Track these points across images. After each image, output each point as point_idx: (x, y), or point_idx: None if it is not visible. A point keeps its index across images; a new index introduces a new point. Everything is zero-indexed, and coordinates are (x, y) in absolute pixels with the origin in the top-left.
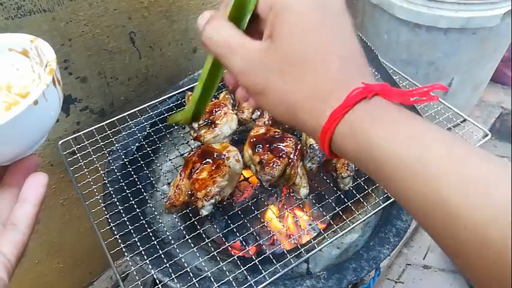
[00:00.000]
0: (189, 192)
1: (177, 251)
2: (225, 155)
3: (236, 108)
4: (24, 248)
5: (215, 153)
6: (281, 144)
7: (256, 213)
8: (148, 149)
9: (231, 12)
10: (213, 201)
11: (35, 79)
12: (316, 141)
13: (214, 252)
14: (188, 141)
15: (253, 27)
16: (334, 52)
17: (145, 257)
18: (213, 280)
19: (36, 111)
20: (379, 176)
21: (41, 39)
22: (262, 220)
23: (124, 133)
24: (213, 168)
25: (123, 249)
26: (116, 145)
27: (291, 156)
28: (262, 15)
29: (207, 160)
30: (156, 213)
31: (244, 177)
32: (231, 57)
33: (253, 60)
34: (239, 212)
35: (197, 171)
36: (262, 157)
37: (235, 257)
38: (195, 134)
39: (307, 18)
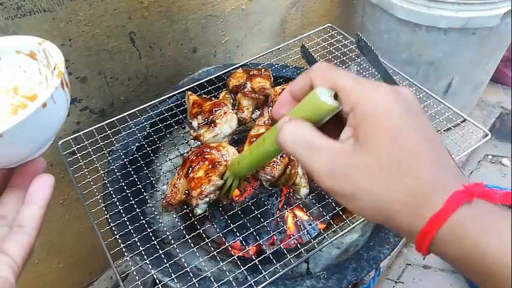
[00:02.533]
0: (186, 191)
1: (177, 251)
2: (223, 154)
3: (236, 107)
4: (31, 249)
5: (213, 152)
6: None
7: (256, 213)
8: (148, 149)
9: (308, 116)
10: (207, 199)
11: (42, 81)
12: (411, 241)
13: (214, 252)
14: (188, 141)
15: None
16: (425, 154)
17: (145, 257)
18: (213, 280)
19: (44, 113)
20: (487, 282)
21: (48, 42)
22: (262, 220)
23: (124, 133)
24: (210, 167)
25: (123, 249)
26: (116, 145)
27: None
28: (340, 114)
29: (204, 159)
30: (156, 213)
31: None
32: (313, 158)
33: (338, 163)
34: (239, 212)
35: (194, 170)
36: None
37: (235, 257)
38: (195, 134)
39: (394, 121)
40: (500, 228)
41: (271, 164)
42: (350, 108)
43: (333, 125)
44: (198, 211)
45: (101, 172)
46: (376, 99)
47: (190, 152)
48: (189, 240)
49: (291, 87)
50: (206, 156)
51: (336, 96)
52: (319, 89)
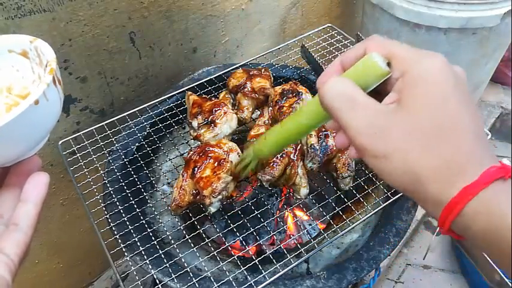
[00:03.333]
0: (194, 191)
1: (177, 251)
2: (226, 151)
3: (236, 107)
4: (27, 247)
5: (216, 150)
6: None
7: (256, 213)
8: (148, 148)
9: (357, 79)
10: (220, 197)
11: (35, 80)
12: (434, 214)
13: (214, 252)
14: (188, 141)
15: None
16: (467, 126)
17: (145, 257)
18: (213, 280)
19: (37, 111)
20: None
21: (40, 40)
22: (262, 220)
23: (124, 133)
24: (216, 165)
25: (123, 249)
26: (116, 145)
27: (291, 156)
28: (388, 79)
29: (209, 157)
30: (156, 213)
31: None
32: (353, 113)
33: (377, 121)
34: (239, 212)
35: (200, 169)
36: None
37: (235, 257)
38: (195, 134)
39: (441, 89)
40: None
41: (271, 164)
42: (401, 73)
43: (375, 96)
44: (212, 209)
45: (101, 172)
46: (430, 65)
47: (191, 153)
48: (189, 240)
49: (343, 56)
50: (210, 154)
51: (389, 65)
52: (375, 54)
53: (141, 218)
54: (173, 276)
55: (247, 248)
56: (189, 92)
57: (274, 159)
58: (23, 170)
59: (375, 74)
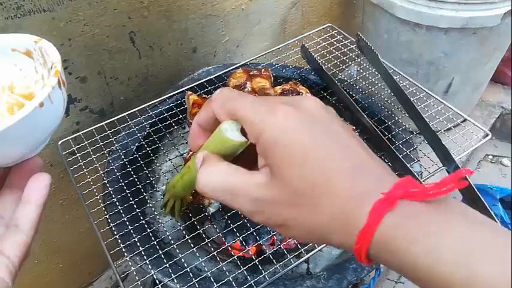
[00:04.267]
0: (193, 191)
1: (177, 251)
2: None
3: None
4: (27, 249)
5: None
6: None
7: None
8: (148, 149)
9: (219, 152)
10: None
11: (38, 80)
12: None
13: (214, 253)
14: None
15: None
16: (338, 168)
17: (145, 257)
18: (213, 280)
19: (41, 113)
20: None
21: (45, 40)
22: None
23: (124, 133)
24: None
25: (123, 250)
26: (116, 145)
27: None
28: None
29: None
30: (156, 213)
31: None
32: (237, 201)
33: (260, 200)
34: (239, 212)
35: None
36: None
37: (235, 257)
38: None
39: (298, 144)
40: (425, 233)
41: None
42: (255, 140)
43: (250, 149)
44: (212, 210)
45: (101, 172)
46: (274, 125)
47: (191, 153)
48: (189, 241)
49: (197, 119)
50: None
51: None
52: (224, 125)
53: (141, 218)
54: (173, 276)
55: (247, 248)
56: (189, 92)
57: None
58: (25, 171)
59: (231, 146)
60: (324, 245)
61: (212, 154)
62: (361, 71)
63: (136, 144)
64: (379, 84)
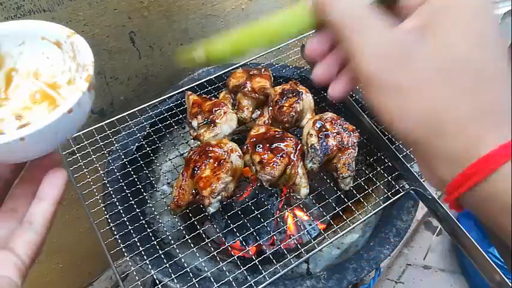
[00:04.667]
0: (194, 191)
1: (177, 251)
2: (226, 151)
3: (236, 107)
4: (38, 248)
5: (216, 150)
6: (281, 143)
7: (256, 213)
8: (148, 148)
9: None
10: (219, 197)
11: (64, 71)
12: (445, 176)
13: (214, 252)
14: (188, 141)
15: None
16: (507, 73)
17: (145, 257)
18: (213, 280)
19: (68, 118)
20: None
21: (78, 36)
22: (262, 220)
23: (124, 133)
24: (216, 165)
25: (123, 249)
26: (116, 145)
27: (291, 156)
28: (406, 1)
29: (209, 157)
30: (156, 213)
31: (244, 176)
32: (365, 33)
33: (396, 45)
34: (239, 212)
35: (200, 169)
36: (262, 157)
37: (235, 257)
38: (195, 134)
39: (469, 16)
40: None
41: (271, 164)
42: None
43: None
44: (211, 210)
45: (101, 172)
46: None
47: (192, 152)
48: (189, 241)
49: None
50: (210, 154)
51: None
52: None
53: (141, 218)
54: (173, 276)
55: (247, 248)
56: (189, 92)
57: (274, 159)
58: (41, 165)
59: None
60: (323, 245)
61: None
62: None
63: (137, 144)
64: None
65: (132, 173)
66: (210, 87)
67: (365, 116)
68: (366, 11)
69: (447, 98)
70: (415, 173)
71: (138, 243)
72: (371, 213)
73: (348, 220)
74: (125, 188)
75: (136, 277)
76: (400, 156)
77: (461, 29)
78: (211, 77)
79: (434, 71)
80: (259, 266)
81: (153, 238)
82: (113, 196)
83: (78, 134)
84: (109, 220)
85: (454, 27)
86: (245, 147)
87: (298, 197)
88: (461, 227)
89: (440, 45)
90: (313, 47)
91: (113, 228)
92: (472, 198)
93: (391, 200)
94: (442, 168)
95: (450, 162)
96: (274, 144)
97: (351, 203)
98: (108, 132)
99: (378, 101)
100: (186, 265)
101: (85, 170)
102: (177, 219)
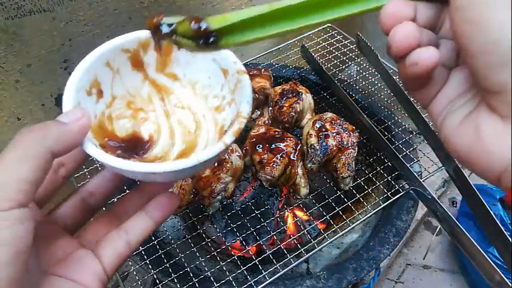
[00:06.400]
0: (194, 191)
1: (177, 250)
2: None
3: None
4: (124, 261)
5: None
6: (281, 144)
7: (256, 213)
8: None
9: None
10: (219, 197)
11: (217, 96)
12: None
13: (214, 252)
14: None
15: None
16: None
17: (145, 257)
18: (213, 280)
19: (197, 166)
20: None
21: (247, 78)
22: (262, 220)
23: None
24: (216, 165)
25: None
26: None
27: (291, 156)
28: None
29: None
30: None
31: (244, 176)
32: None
33: None
34: (239, 212)
35: None
36: (262, 157)
37: (235, 257)
38: None
39: None
40: None
41: (271, 164)
42: None
43: None
44: (211, 210)
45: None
46: None
47: None
48: (189, 240)
49: None
50: None
51: None
52: None
53: None
54: (173, 276)
55: (247, 248)
56: None
57: (274, 159)
58: (156, 188)
59: None
60: (322, 245)
61: None
62: (361, 71)
63: None
64: (379, 84)
65: None
66: None
67: (365, 116)
68: None
69: None
70: (414, 173)
71: None
72: (371, 213)
73: (347, 220)
74: (125, 187)
75: (137, 277)
76: (399, 156)
77: None
78: None
79: None
80: (259, 266)
81: (153, 238)
82: (113, 196)
83: None
84: None
85: None
86: (244, 149)
87: (298, 197)
88: (461, 227)
89: None
90: (397, 6)
91: None
92: None
93: (391, 200)
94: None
95: None
96: (274, 145)
97: (350, 203)
98: None
99: (462, 21)
100: (186, 265)
101: (85, 170)
102: (177, 219)
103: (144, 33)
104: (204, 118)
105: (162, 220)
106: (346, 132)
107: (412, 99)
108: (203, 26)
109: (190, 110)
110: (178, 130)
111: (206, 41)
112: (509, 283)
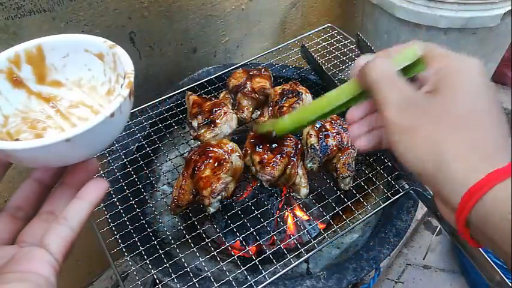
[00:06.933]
0: (194, 191)
1: (177, 251)
2: (227, 151)
3: (236, 107)
4: (71, 246)
5: (216, 150)
6: (281, 144)
7: (256, 213)
8: (148, 148)
9: (402, 65)
10: (219, 197)
11: (104, 82)
12: (452, 200)
13: (214, 252)
14: (188, 141)
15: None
16: (497, 116)
17: (145, 257)
18: (213, 280)
19: (111, 123)
20: None
21: (120, 47)
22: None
23: (124, 133)
24: (216, 165)
25: (123, 249)
26: (116, 145)
27: (291, 156)
28: (423, 76)
29: (209, 157)
30: (156, 213)
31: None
32: (391, 89)
33: (414, 99)
34: (239, 212)
35: (200, 169)
36: (262, 157)
37: (235, 257)
38: (195, 134)
39: (477, 82)
40: None
41: (271, 164)
42: (438, 70)
43: None
44: (211, 210)
45: (101, 172)
46: (469, 62)
47: (192, 152)
48: (189, 240)
49: (383, 52)
50: (210, 154)
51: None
52: (419, 46)
53: (141, 218)
54: (173, 276)
55: (247, 248)
56: (189, 92)
57: (274, 159)
58: (81, 170)
59: (412, 57)
60: (322, 245)
61: (382, 54)
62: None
63: (137, 144)
64: None
65: (132, 173)
66: (210, 87)
67: None
68: (395, 75)
69: (446, 135)
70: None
71: (138, 243)
72: (371, 213)
73: (347, 220)
74: (125, 187)
75: (137, 277)
76: None
77: (460, 88)
78: (211, 77)
79: (438, 115)
80: (259, 266)
81: (153, 238)
82: (113, 196)
83: None
84: (109, 220)
85: (455, 88)
86: (244, 149)
87: (298, 197)
88: None
89: (442, 99)
90: (353, 112)
91: (113, 228)
92: (475, 217)
93: (391, 200)
94: (446, 191)
95: (452, 187)
96: (274, 144)
97: (350, 203)
98: None
99: (395, 139)
100: (186, 265)
101: None
102: (177, 219)
103: (11, 52)
104: (101, 107)
105: (97, 201)
106: (346, 132)
107: None
108: (273, 134)
109: (85, 106)
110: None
111: (273, 136)
112: (509, 283)
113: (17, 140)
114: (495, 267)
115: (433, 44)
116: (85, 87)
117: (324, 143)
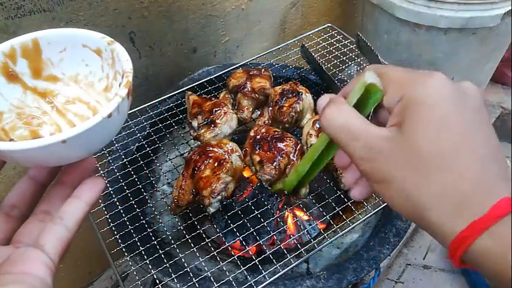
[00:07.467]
0: (194, 191)
1: (177, 251)
2: (227, 151)
3: (236, 107)
4: (67, 246)
5: (216, 150)
6: (281, 143)
7: (256, 213)
8: (148, 148)
9: (354, 100)
10: (219, 197)
11: (102, 78)
12: (443, 244)
13: (214, 252)
14: (188, 141)
15: (374, 115)
16: (472, 151)
17: (145, 257)
18: (213, 280)
19: (108, 123)
20: None
21: (118, 44)
22: (262, 220)
23: (124, 133)
24: (216, 165)
25: (123, 249)
26: (116, 145)
27: (291, 156)
28: (387, 104)
29: (209, 157)
30: (156, 213)
31: (244, 176)
32: (354, 143)
33: (377, 148)
34: (239, 212)
35: (200, 169)
36: (262, 157)
37: (235, 257)
38: (195, 134)
39: (442, 113)
40: None
41: (271, 164)
42: (399, 97)
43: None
44: (211, 210)
45: (101, 172)
46: (428, 86)
47: (192, 152)
48: (189, 240)
49: (343, 90)
50: (210, 154)
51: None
52: (368, 73)
53: (141, 218)
54: (173, 276)
55: (247, 248)
56: (189, 92)
57: (274, 159)
58: (78, 170)
59: (369, 92)
60: (322, 245)
61: (339, 97)
62: (361, 71)
63: (137, 144)
64: None
65: (132, 173)
66: (210, 87)
67: None
68: (351, 122)
69: (417, 184)
70: None
71: (138, 243)
72: (371, 213)
73: (347, 220)
74: (125, 188)
75: (137, 277)
76: None
77: (422, 124)
78: (211, 77)
79: (405, 163)
80: (259, 266)
81: (153, 238)
82: (113, 196)
83: None
84: (109, 220)
85: (418, 123)
86: (244, 150)
87: (298, 197)
88: None
89: (407, 141)
90: (340, 157)
91: (113, 228)
92: (469, 262)
93: None
94: (436, 237)
95: (438, 234)
96: (274, 144)
97: (350, 203)
98: None
99: (374, 189)
100: (186, 265)
101: None
102: (177, 219)
103: (6, 45)
104: (98, 103)
105: (92, 200)
106: None
107: None
108: (286, 192)
109: (82, 102)
110: (78, 122)
111: (287, 194)
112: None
113: (11, 140)
114: None
115: (385, 67)
116: (82, 83)
117: None
